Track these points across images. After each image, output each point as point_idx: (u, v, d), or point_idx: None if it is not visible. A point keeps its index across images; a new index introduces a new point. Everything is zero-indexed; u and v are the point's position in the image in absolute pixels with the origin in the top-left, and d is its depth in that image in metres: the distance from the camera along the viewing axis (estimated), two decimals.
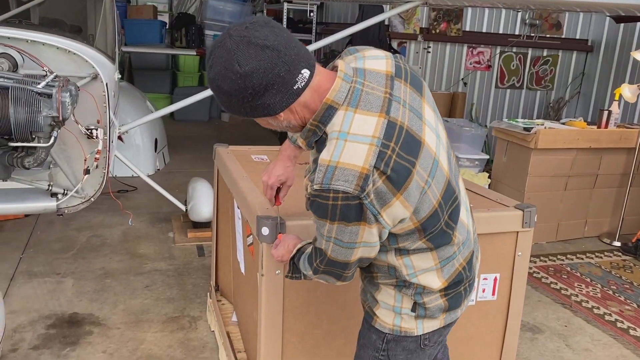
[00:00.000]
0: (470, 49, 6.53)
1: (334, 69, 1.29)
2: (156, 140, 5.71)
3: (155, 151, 5.70)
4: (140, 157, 5.29)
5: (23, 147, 2.40)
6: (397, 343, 1.43)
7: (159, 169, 5.77)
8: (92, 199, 2.86)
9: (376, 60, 1.31)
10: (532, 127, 4.18)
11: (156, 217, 4.42)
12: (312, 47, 4.49)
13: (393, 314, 1.42)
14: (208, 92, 4.21)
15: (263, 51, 1.15)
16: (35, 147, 2.39)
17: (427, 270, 1.36)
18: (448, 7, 5.89)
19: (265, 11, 9.30)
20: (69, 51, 2.55)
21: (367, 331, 1.49)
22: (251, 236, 2.06)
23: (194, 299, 3.20)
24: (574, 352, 2.92)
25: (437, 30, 6.26)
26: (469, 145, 5.57)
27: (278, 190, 1.70)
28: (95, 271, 3.45)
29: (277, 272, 1.81)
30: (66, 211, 2.79)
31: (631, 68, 6.33)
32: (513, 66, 6.75)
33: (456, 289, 1.42)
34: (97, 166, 2.69)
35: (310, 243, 1.51)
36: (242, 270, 2.36)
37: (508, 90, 6.86)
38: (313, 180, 1.21)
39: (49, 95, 2.31)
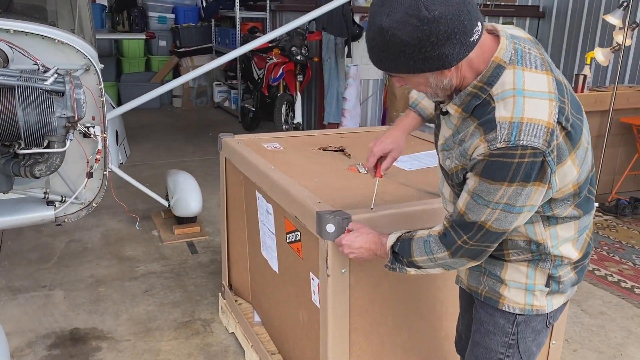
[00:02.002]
0: None
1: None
2: (117, 132, 5.35)
3: (117, 144, 5.35)
4: None
5: (29, 153, 2.09)
6: (527, 324, 1.38)
7: (122, 163, 5.41)
8: (94, 204, 2.58)
9: (510, 29, 1.28)
10: None
11: (133, 215, 4.14)
12: (285, 29, 4.26)
13: (524, 291, 1.36)
14: (183, 79, 3.94)
15: None
16: (43, 153, 2.10)
17: (567, 240, 1.34)
18: None
19: None
20: (57, 41, 2.25)
21: (490, 316, 1.40)
22: (297, 232, 1.91)
23: (200, 301, 3.01)
24: (591, 316, 2.96)
25: None
26: None
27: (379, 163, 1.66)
28: (84, 280, 3.18)
29: (342, 270, 1.68)
30: (65, 220, 2.51)
31: (583, 33, 6.49)
32: None
33: (584, 262, 1.40)
34: (96, 168, 2.42)
35: (409, 231, 1.40)
36: (275, 268, 2.20)
37: None
38: (492, 140, 1.13)
39: (61, 93, 2.02)
